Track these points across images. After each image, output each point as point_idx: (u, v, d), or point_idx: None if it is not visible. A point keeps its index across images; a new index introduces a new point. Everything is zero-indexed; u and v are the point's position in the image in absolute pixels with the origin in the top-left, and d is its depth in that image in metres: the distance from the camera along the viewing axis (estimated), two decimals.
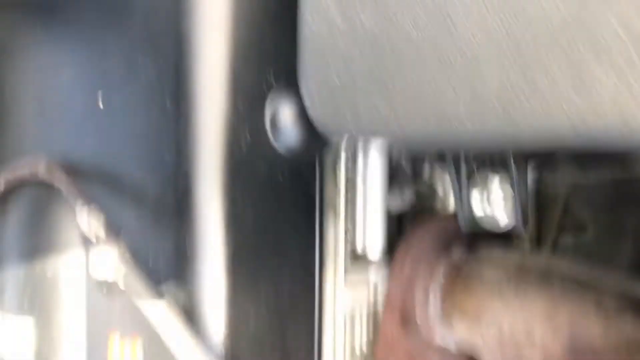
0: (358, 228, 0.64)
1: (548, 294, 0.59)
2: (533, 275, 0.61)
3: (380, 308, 0.66)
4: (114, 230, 0.55)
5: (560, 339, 0.57)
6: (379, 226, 0.65)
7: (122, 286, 0.53)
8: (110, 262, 0.52)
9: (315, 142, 0.56)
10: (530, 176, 0.56)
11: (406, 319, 0.64)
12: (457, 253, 0.66)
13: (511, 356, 0.60)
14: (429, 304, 0.64)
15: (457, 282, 0.63)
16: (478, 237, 0.68)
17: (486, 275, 0.62)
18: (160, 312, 0.53)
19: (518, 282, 0.61)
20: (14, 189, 0.65)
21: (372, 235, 0.65)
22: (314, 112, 0.50)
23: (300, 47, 0.50)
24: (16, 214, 0.67)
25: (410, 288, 0.64)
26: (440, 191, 0.73)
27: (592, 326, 0.55)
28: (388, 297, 0.64)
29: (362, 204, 0.64)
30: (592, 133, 0.37)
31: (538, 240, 0.69)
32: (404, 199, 0.68)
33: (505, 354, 0.60)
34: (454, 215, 0.70)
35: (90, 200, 0.57)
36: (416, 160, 0.71)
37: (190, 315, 0.54)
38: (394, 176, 0.68)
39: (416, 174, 0.71)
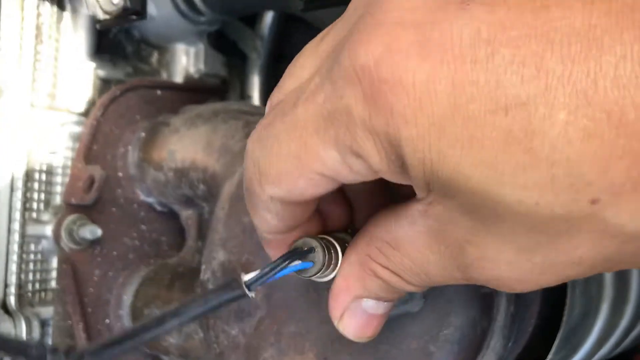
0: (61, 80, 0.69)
1: (211, 125, 0.65)
2: (206, 115, 0.67)
3: None
4: None
5: (214, 157, 0.63)
6: (83, 81, 0.71)
7: None
8: None
9: None
10: None
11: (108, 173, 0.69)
12: (163, 114, 0.72)
13: (184, 183, 0.66)
14: (128, 156, 0.70)
15: (150, 135, 0.69)
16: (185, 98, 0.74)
17: (172, 123, 0.68)
18: None
19: (193, 122, 0.67)
20: None
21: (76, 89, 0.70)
22: None
23: None
24: None
25: (112, 141, 0.70)
26: (164, 75, 0.80)
27: (238, 137, 0.61)
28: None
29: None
30: None
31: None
32: (116, 69, 0.74)
33: (180, 180, 0.66)
34: (163, 81, 0.76)
35: None
36: (140, 42, 0.78)
37: None
38: (108, 45, 0.74)
39: (139, 55, 0.78)
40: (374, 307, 0.38)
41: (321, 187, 0.33)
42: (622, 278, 0.68)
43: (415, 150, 0.28)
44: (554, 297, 0.62)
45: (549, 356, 0.57)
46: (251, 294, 0.35)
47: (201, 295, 0.34)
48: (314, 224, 0.40)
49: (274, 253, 0.40)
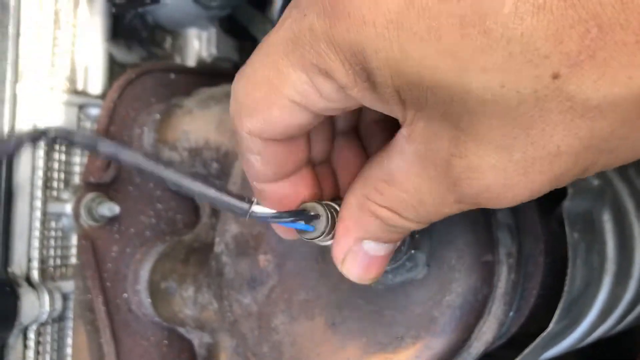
0: (79, 64, 0.72)
1: (223, 105, 0.67)
2: (219, 96, 0.69)
3: None
4: None
5: (227, 136, 0.65)
6: (100, 65, 0.73)
7: None
8: None
9: None
10: None
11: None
12: (177, 97, 0.74)
13: (198, 162, 0.68)
14: (143, 138, 0.72)
15: (165, 117, 0.71)
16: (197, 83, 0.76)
17: (186, 105, 0.71)
18: None
19: (206, 103, 0.69)
20: None
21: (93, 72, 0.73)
22: None
23: None
24: None
25: (129, 122, 0.72)
26: (178, 59, 0.82)
27: None
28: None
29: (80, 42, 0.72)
30: None
31: None
32: (131, 53, 0.76)
33: (194, 159, 0.68)
34: (177, 65, 0.79)
35: None
36: (154, 28, 0.80)
37: None
38: (123, 30, 0.76)
39: (153, 40, 0.80)
40: (375, 249, 0.39)
41: (295, 117, 0.34)
42: (625, 253, 0.69)
43: (377, 51, 0.29)
44: (557, 268, 0.64)
45: (551, 325, 0.59)
46: (246, 218, 0.37)
47: (216, 185, 0.36)
48: (309, 188, 0.40)
49: (266, 204, 0.40)
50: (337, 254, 0.39)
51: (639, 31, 0.25)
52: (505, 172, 0.30)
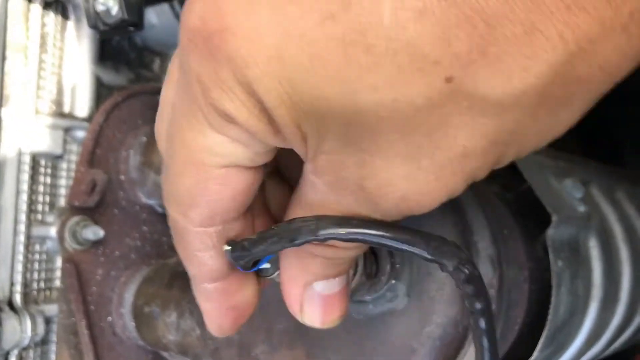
0: (66, 87, 0.72)
1: None
2: None
3: None
4: None
5: None
6: (87, 87, 0.73)
7: None
8: None
9: None
10: None
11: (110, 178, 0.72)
12: None
13: None
14: (129, 160, 0.72)
15: (151, 139, 0.71)
16: None
17: None
18: None
19: None
20: None
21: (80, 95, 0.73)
22: None
23: None
24: None
25: (115, 145, 0.72)
26: None
27: None
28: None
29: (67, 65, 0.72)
30: None
31: None
32: (119, 75, 0.77)
33: None
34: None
35: None
36: (142, 49, 0.80)
37: None
38: (111, 53, 0.76)
39: (141, 62, 0.80)
40: (328, 287, 0.36)
41: (235, 180, 0.32)
42: (611, 278, 0.69)
43: (267, 90, 0.27)
44: (543, 295, 0.64)
45: (535, 353, 0.58)
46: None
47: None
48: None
49: (213, 306, 0.37)
50: (293, 307, 0.37)
51: (526, 21, 0.24)
52: (416, 180, 0.29)
